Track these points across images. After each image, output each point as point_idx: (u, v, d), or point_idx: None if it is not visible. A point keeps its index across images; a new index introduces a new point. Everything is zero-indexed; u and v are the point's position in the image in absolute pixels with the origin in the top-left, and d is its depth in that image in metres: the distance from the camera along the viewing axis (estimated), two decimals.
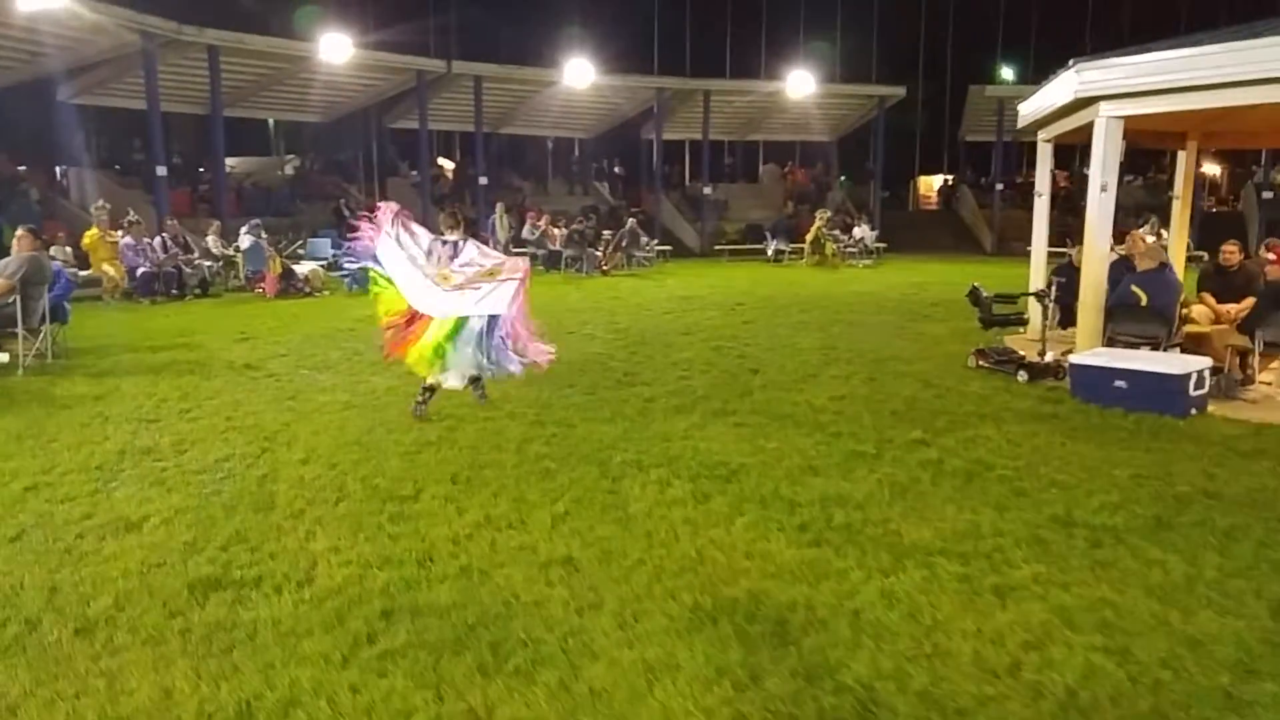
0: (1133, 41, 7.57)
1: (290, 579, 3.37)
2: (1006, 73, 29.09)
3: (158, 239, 13.42)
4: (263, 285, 13.49)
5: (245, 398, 6.43)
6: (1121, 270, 7.52)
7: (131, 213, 13.71)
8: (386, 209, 5.78)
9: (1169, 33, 13.22)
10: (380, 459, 4.90)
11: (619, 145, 27.41)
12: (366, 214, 5.88)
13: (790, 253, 21.11)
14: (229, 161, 19.41)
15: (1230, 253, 7.66)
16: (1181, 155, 10.05)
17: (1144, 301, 6.64)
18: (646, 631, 2.93)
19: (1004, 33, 28.23)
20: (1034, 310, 8.40)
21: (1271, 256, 7.98)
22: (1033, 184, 27.71)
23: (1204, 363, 5.90)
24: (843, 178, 28.06)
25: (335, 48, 18.21)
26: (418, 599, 3.20)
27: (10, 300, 7.19)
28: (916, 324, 10.35)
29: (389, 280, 5.60)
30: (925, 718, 2.43)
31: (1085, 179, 25.18)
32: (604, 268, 17.79)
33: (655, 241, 20.69)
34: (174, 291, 12.94)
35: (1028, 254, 13.05)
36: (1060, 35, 26.52)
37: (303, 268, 14.17)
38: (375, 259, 5.65)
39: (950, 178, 29.81)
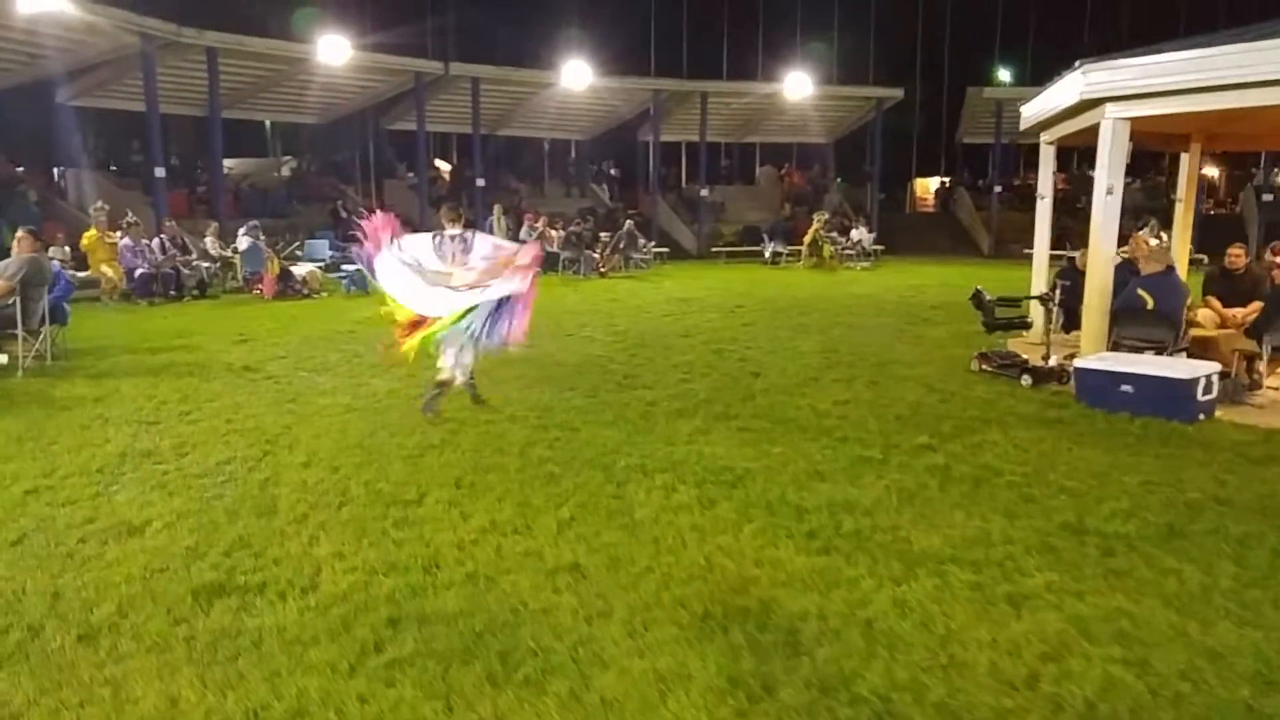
0: (1131, 43, 7.56)
1: (294, 585, 3.33)
2: (1004, 74, 29.14)
3: (156, 240, 13.37)
4: (260, 286, 13.44)
5: (245, 400, 6.39)
6: (1125, 274, 7.50)
7: (130, 214, 13.66)
8: (382, 219, 5.75)
9: (1168, 34, 13.24)
10: (383, 463, 4.86)
11: (615, 147, 27.37)
12: (361, 228, 5.85)
13: (788, 255, 21.10)
14: (226, 163, 19.35)
15: (1236, 256, 7.65)
16: (1185, 158, 10.05)
17: (1150, 305, 6.62)
18: (657, 640, 2.89)
19: (1001, 35, 28.30)
20: (1037, 314, 8.38)
21: (1279, 260, 7.97)
22: (1030, 186, 27.85)
23: (1212, 367, 5.88)
24: (838, 180, 28.07)
25: (333, 49, 18.18)
26: (424, 606, 3.16)
27: (10, 302, 7.14)
28: (917, 327, 10.32)
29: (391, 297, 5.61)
30: None
31: (1083, 181, 25.22)
32: (601, 270, 17.77)
33: (653, 243, 20.67)
34: (172, 293, 12.89)
35: (1026, 256, 13.06)
36: (1058, 37, 26.59)
37: (300, 269, 14.13)
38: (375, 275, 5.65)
39: (947, 180, 29.84)
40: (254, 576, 3.40)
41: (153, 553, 3.63)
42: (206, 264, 14.04)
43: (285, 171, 23.35)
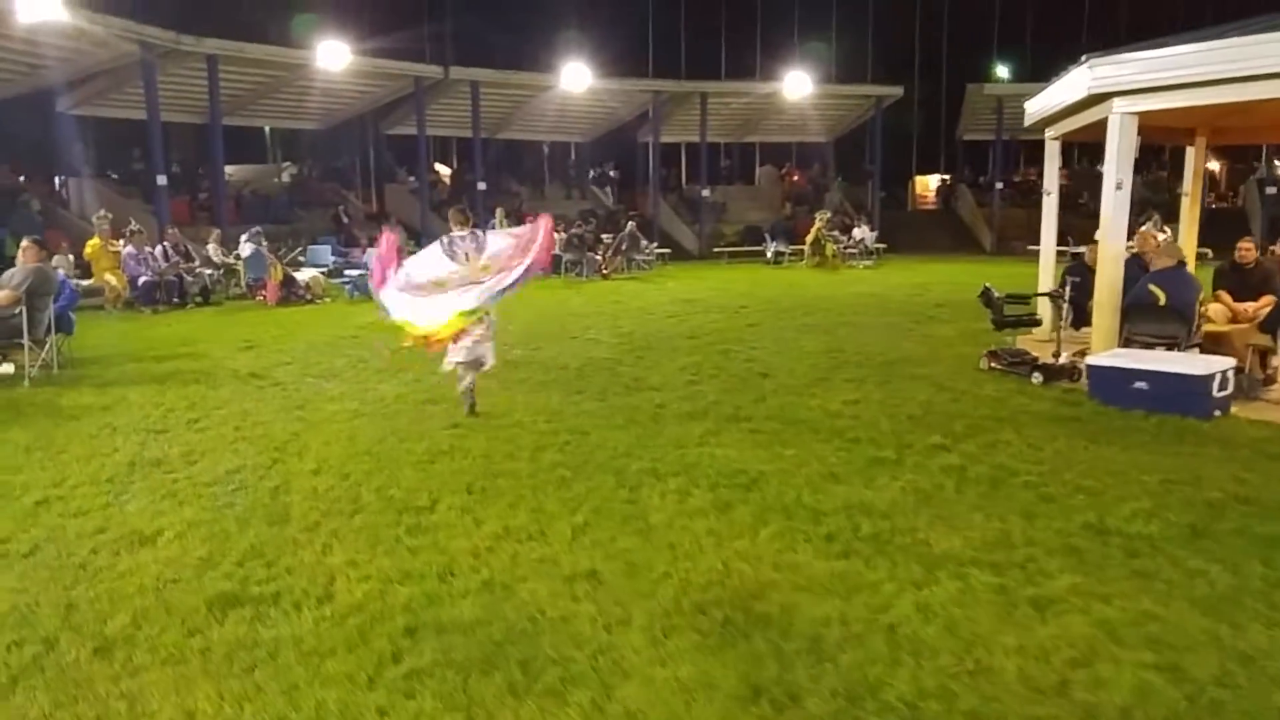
0: (1128, 40, 7.52)
1: (309, 595, 3.29)
2: (1002, 71, 29.11)
3: (159, 248, 13.34)
4: (264, 293, 13.42)
5: (253, 407, 6.36)
6: (1133, 269, 7.45)
7: (133, 222, 13.64)
8: (385, 247, 5.74)
9: (1165, 30, 13.18)
10: (393, 469, 4.83)
11: (615, 149, 27.36)
12: (373, 253, 5.88)
13: (790, 254, 21.06)
14: (227, 170, 19.35)
15: (1246, 250, 7.59)
16: (1189, 152, 10.00)
17: (1162, 300, 6.57)
18: (678, 648, 2.85)
19: (999, 32, 28.29)
20: (1046, 310, 8.34)
21: None
22: (1031, 182, 27.82)
23: (1228, 363, 5.83)
24: (838, 179, 28.05)
25: (333, 55, 18.18)
26: (441, 615, 3.12)
27: (16, 311, 7.12)
28: (923, 325, 10.28)
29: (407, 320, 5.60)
30: None
31: (1085, 176, 25.15)
32: (604, 271, 17.73)
33: (654, 244, 20.64)
34: (175, 300, 12.86)
35: (1028, 253, 13.01)
36: (1055, 34, 26.60)
37: (303, 275, 14.10)
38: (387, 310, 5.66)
39: (947, 177, 29.80)
40: (268, 586, 3.36)
41: (165, 563, 3.59)
42: (210, 271, 14.01)
43: (286, 177, 23.35)
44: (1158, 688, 2.55)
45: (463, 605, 3.19)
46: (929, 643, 2.84)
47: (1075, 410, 5.96)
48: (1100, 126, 7.29)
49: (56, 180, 18.95)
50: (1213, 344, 6.62)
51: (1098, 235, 7.97)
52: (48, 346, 7.52)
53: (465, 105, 21.66)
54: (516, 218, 20.37)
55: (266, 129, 24.22)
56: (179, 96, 17.86)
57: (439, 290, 5.55)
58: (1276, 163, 25.73)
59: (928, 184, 30.68)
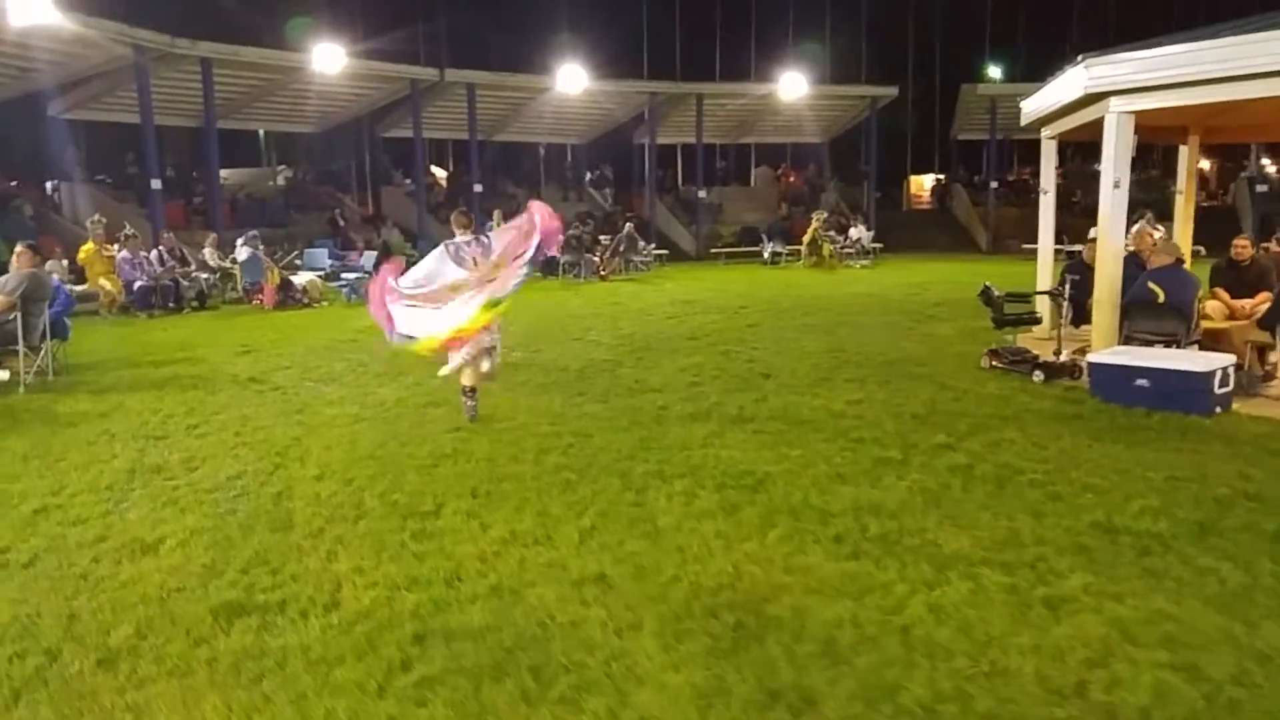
0: (1120, 39, 7.52)
1: (316, 603, 3.26)
2: (994, 71, 29.19)
3: (154, 252, 13.28)
4: (261, 297, 13.36)
5: (253, 412, 6.31)
6: (1131, 267, 7.45)
7: (128, 226, 13.56)
8: (381, 280, 5.68)
9: (1157, 30, 13.22)
10: (396, 473, 4.79)
11: (612, 151, 27.34)
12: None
13: (787, 255, 21.06)
14: (221, 173, 19.27)
15: (1242, 247, 7.61)
16: (1183, 150, 10.03)
17: (1161, 298, 6.57)
18: (691, 653, 2.83)
19: (991, 32, 28.37)
20: (1045, 309, 8.34)
21: None
22: (1025, 181, 27.77)
23: (1228, 359, 5.83)
24: (833, 179, 28.07)
25: (328, 58, 18.11)
26: (450, 621, 3.09)
27: (11, 317, 7.06)
28: (923, 325, 10.28)
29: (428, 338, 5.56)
30: None
31: (1078, 175, 25.14)
32: (602, 273, 17.71)
33: (652, 246, 20.62)
34: (171, 305, 12.80)
35: (1024, 252, 13.04)
36: (1047, 35, 26.72)
37: (300, 278, 14.05)
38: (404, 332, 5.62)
39: (942, 177, 29.85)
40: (273, 594, 3.33)
41: (168, 571, 3.56)
42: (205, 275, 13.95)
43: (281, 181, 23.27)
44: (1175, 688, 2.53)
45: (471, 611, 3.16)
46: (943, 644, 2.82)
47: (1077, 408, 5.96)
48: (1096, 126, 7.30)
49: (49, 185, 18.84)
50: (1212, 341, 6.63)
51: (1092, 233, 7.99)
52: (43, 353, 7.46)
53: (461, 107, 21.61)
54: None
55: (261, 132, 24.14)
56: (173, 100, 17.76)
57: (455, 295, 5.49)
58: (1265, 161, 25.86)
59: (922, 184, 30.72)
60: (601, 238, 19.62)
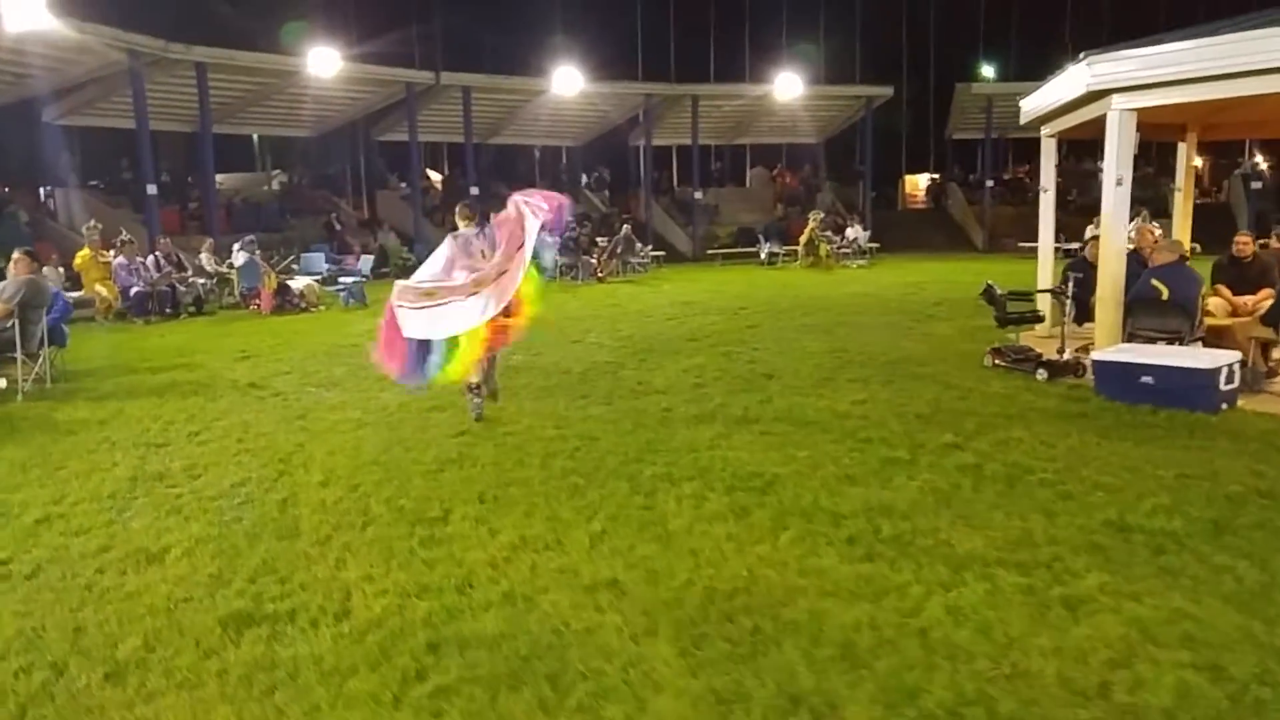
0: (1114, 38, 7.53)
1: (326, 611, 3.22)
2: (988, 71, 29.25)
3: (150, 258, 13.21)
4: (258, 302, 13.30)
5: (254, 418, 6.27)
6: (1134, 264, 7.45)
7: (124, 232, 13.50)
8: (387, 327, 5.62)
9: (1152, 29, 13.22)
10: (402, 479, 4.75)
11: (607, 153, 27.33)
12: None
13: (784, 255, 21.06)
14: (216, 178, 19.19)
15: (1244, 244, 7.61)
16: (1181, 147, 10.04)
17: (1165, 295, 6.57)
18: (709, 659, 2.79)
19: (985, 32, 28.43)
20: (1048, 307, 8.34)
21: None
22: (1020, 180, 27.78)
23: (1233, 356, 5.82)
24: (829, 179, 28.09)
25: (323, 62, 18.06)
26: (463, 629, 3.05)
27: (9, 324, 7.00)
28: (923, 324, 10.27)
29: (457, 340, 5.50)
30: None
31: (1074, 173, 25.12)
32: (600, 275, 17.68)
33: (649, 247, 20.60)
34: (168, 310, 12.73)
35: (1020, 250, 13.03)
36: (1040, 33, 26.79)
37: (297, 283, 13.99)
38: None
39: (937, 176, 29.88)
40: (283, 604, 3.28)
41: (175, 581, 3.51)
42: (202, 280, 13.89)
43: (276, 185, 23.21)
44: (1199, 688, 2.51)
45: (484, 619, 3.12)
46: (963, 646, 2.79)
47: (1083, 406, 5.94)
48: (1097, 124, 7.30)
49: (43, 191, 18.75)
50: (1215, 338, 6.62)
51: (1089, 231, 8.00)
52: (41, 360, 7.41)
53: (457, 111, 21.58)
54: None
55: (256, 137, 24.06)
56: (168, 105, 17.71)
57: (480, 288, 5.41)
58: (1259, 157, 25.92)
59: (917, 183, 30.75)
60: (599, 239, 19.60)
